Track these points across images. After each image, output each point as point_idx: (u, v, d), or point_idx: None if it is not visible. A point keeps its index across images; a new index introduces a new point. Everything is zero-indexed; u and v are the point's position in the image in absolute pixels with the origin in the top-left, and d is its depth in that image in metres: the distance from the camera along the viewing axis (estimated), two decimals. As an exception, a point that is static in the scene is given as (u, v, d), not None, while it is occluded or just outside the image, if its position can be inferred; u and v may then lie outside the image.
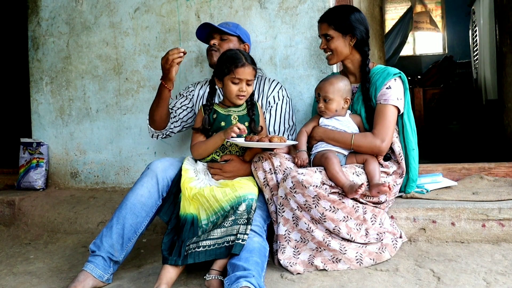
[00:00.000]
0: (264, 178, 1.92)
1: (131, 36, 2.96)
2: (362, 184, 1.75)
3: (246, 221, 1.74)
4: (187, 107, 2.37)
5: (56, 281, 1.93)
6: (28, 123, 3.25)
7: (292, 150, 2.08)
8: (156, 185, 1.94)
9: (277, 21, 2.63)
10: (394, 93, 2.02)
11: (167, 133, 2.35)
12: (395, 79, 2.05)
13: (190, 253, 1.71)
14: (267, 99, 2.29)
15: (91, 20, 3.05)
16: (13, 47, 4.53)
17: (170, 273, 1.70)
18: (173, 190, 1.95)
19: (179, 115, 2.35)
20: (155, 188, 1.94)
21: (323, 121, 2.05)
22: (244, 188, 1.83)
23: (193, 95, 2.38)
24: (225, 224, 1.74)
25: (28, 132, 3.25)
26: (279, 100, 2.28)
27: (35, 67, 3.21)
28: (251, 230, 1.76)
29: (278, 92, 2.30)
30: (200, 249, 1.71)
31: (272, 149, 1.98)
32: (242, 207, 1.75)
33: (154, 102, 2.19)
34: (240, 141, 1.88)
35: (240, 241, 1.69)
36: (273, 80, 2.35)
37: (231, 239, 1.70)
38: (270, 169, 1.91)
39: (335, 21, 2.06)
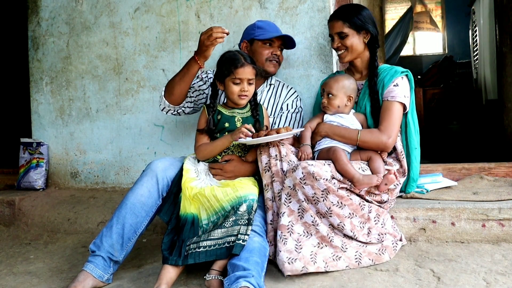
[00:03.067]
0: (266, 163, 1.90)
1: (131, 36, 2.96)
2: (383, 177, 1.80)
3: (247, 221, 1.73)
4: (203, 92, 2.33)
5: (56, 281, 1.93)
6: (28, 123, 3.25)
7: (296, 144, 2.08)
8: (156, 185, 1.94)
9: (277, 21, 2.63)
10: (401, 90, 2.03)
11: (178, 111, 2.28)
12: (402, 77, 2.07)
13: (190, 253, 1.71)
14: (281, 104, 2.31)
15: (91, 20, 3.05)
16: (13, 47, 4.53)
17: (170, 273, 1.70)
18: (173, 190, 1.95)
19: (195, 97, 2.30)
20: (155, 188, 1.94)
21: (327, 117, 2.06)
22: (245, 188, 1.83)
23: (209, 81, 2.34)
24: (225, 225, 1.73)
25: (28, 132, 3.25)
26: (292, 108, 2.30)
27: (35, 67, 3.21)
28: (251, 230, 1.76)
29: (293, 100, 2.32)
30: (200, 249, 1.71)
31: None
32: (243, 208, 1.75)
33: (178, 75, 2.13)
34: (248, 139, 1.88)
35: (240, 241, 1.69)
36: (291, 88, 2.38)
37: (232, 240, 1.70)
38: (276, 155, 1.88)
39: (350, 18, 2.06)
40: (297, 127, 2.28)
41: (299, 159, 1.93)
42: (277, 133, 1.83)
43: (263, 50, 2.24)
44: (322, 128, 2.02)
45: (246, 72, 1.96)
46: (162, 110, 2.28)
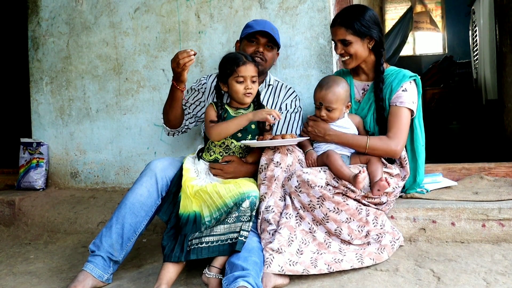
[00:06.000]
0: (262, 165, 1.87)
1: (131, 36, 2.96)
2: (361, 171, 1.74)
3: (249, 218, 1.75)
4: (200, 102, 2.33)
5: (56, 281, 1.93)
6: (28, 123, 3.25)
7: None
8: (155, 185, 1.95)
9: (277, 21, 2.63)
10: (410, 96, 2.01)
11: (183, 130, 2.34)
12: (410, 82, 2.04)
13: (192, 248, 1.70)
14: (280, 104, 2.30)
15: (91, 20, 3.05)
16: (13, 47, 4.53)
17: (170, 272, 1.70)
18: (173, 190, 1.96)
19: (193, 111, 2.33)
20: (154, 188, 1.94)
21: None
22: (247, 185, 1.83)
23: (205, 88, 2.34)
24: (228, 221, 1.74)
25: (28, 132, 3.25)
26: (291, 108, 2.29)
27: (35, 67, 3.21)
28: (250, 230, 1.76)
29: (292, 100, 2.31)
30: (203, 245, 1.71)
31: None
32: (246, 204, 1.75)
33: (167, 103, 2.18)
34: (252, 142, 1.89)
35: (242, 238, 1.70)
36: (290, 88, 2.37)
37: (234, 236, 1.71)
38: (277, 162, 1.86)
39: (353, 24, 1.98)
40: (297, 127, 2.28)
41: (308, 166, 1.93)
42: (282, 138, 1.84)
43: (247, 47, 2.22)
44: (329, 135, 1.98)
45: (249, 69, 1.96)
46: (168, 135, 2.35)
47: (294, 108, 2.30)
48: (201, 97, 2.33)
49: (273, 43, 2.26)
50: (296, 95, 2.35)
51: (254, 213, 1.77)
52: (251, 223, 1.75)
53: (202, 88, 2.35)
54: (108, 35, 3.01)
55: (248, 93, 1.98)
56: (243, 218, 1.74)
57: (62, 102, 3.14)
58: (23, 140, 3.21)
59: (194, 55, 1.93)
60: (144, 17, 2.92)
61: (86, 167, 3.09)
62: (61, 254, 2.30)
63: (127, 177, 2.99)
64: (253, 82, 1.99)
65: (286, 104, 2.30)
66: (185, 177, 1.91)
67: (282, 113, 2.28)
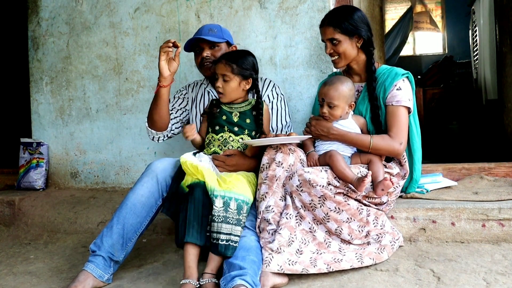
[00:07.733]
0: (263, 164, 1.87)
1: (131, 36, 2.96)
2: (368, 173, 1.75)
3: (236, 221, 1.75)
4: (186, 109, 2.37)
5: (56, 281, 1.93)
6: (28, 123, 3.25)
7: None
8: (156, 185, 1.95)
9: (277, 21, 2.63)
10: (405, 94, 2.00)
11: (168, 135, 2.33)
12: (403, 80, 2.04)
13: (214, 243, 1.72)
14: (262, 98, 2.30)
15: (91, 20, 3.05)
16: (13, 47, 4.53)
17: (193, 254, 1.72)
18: (174, 189, 1.95)
19: (179, 116, 2.34)
20: (156, 188, 1.95)
21: None
22: (241, 189, 1.83)
23: (188, 97, 2.38)
24: (215, 219, 1.73)
25: (28, 132, 3.25)
26: (273, 98, 2.28)
27: (35, 67, 3.21)
28: (248, 228, 1.79)
29: (271, 90, 2.30)
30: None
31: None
32: (233, 205, 1.76)
33: (152, 101, 2.19)
34: (254, 140, 1.92)
35: (233, 243, 1.71)
36: (266, 79, 2.35)
37: (225, 238, 1.71)
38: (279, 161, 1.85)
39: (340, 23, 2.00)
40: (286, 114, 2.28)
41: (308, 166, 1.93)
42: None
43: (196, 59, 2.29)
44: (333, 135, 1.97)
45: (218, 67, 2.07)
46: (153, 139, 2.32)
47: (277, 97, 2.29)
48: (186, 106, 2.37)
49: (218, 43, 2.24)
50: (274, 84, 2.33)
51: (241, 218, 1.77)
52: (240, 228, 1.75)
53: (185, 97, 2.38)
54: (108, 35, 3.01)
55: (219, 92, 2.07)
56: (231, 220, 1.74)
57: (62, 102, 3.14)
58: (23, 140, 3.21)
59: (175, 46, 2.04)
60: (144, 17, 2.92)
61: (86, 167, 3.10)
62: (61, 254, 2.30)
63: (127, 177, 3.00)
64: (225, 80, 2.04)
65: (268, 96, 2.28)
66: (188, 162, 1.85)
67: (267, 105, 2.25)
